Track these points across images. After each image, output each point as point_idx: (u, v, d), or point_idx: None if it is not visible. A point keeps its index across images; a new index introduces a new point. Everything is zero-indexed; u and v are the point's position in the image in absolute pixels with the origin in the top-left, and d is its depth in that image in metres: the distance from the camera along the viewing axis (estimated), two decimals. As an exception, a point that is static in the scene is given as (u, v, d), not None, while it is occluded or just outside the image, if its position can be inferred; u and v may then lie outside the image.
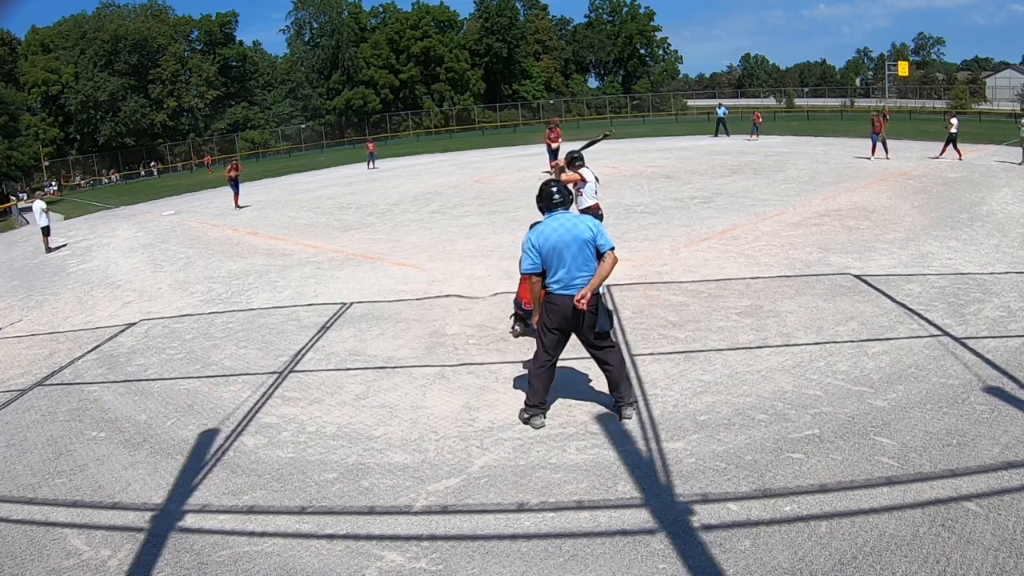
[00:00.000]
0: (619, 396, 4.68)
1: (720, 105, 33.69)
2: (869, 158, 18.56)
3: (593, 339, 4.55)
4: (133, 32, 53.43)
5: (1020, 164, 16.36)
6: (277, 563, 3.48)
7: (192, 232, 15.69)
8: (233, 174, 19.62)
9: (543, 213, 4.63)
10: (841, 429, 4.32)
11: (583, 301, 4.31)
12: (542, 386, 4.65)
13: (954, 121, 18.23)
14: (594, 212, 7.80)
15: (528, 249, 4.47)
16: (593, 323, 4.46)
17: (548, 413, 4.78)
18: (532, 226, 4.75)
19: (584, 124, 53.47)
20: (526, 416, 4.73)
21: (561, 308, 4.42)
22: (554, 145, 18.31)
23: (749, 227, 10.74)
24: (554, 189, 4.60)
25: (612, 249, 4.43)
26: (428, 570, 3.34)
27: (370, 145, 30.79)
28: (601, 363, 4.67)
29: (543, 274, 4.48)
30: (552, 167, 7.52)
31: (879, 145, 18.52)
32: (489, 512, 3.77)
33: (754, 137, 28.18)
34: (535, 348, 4.69)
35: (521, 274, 4.54)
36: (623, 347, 5.96)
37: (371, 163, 29.46)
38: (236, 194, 19.66)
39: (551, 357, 4.62)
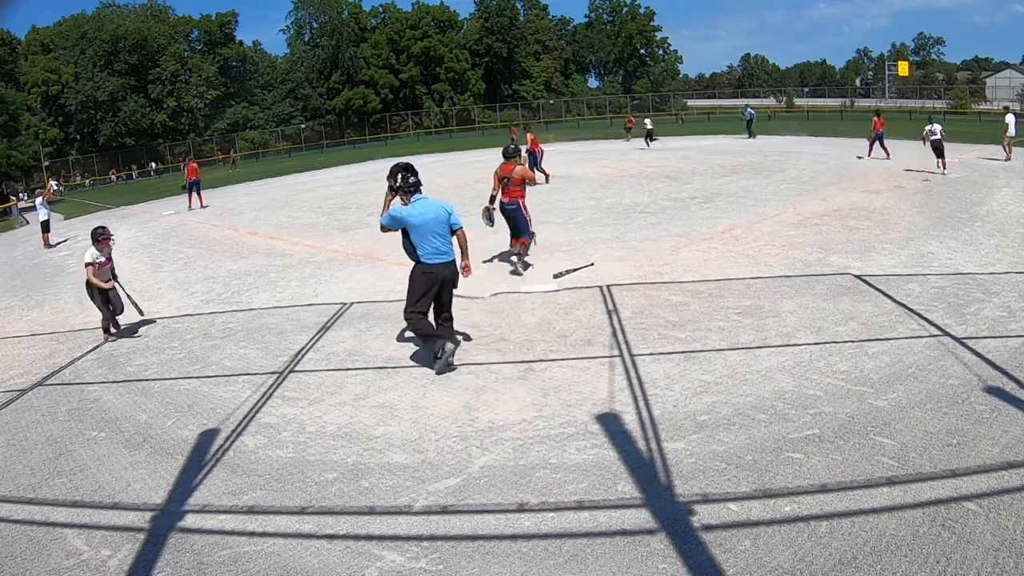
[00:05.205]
0: (445, 342, 5.66)
1: (747, 107, 33.68)
2: (861, 157, 18.69)
3: (449, 297, 5.81)
4: (133, 32, 53.36)
5: (1006, 160, 16.58)
6: (277, 563, 3.48)
7: (192, 232, 15.68)
8: (193, 177, 19.82)
9: (406, 197, 5.71)
10: (841, 429, 4.32)
11: (469, 270, 5.93)
12: (425, 323, 5.67)
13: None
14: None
15: (394, 215, 5.68)
16: (455, 285, 5.81)
17: (548, 413, 4.78)
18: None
19: (584, 124, 53.44)
20: (439, 354, 5.61)
21: (435, 274, 5.61)
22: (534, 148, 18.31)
23: (749, 227, 10.74)
24: (408, 175, 5.78)
25: (461, 228, 5.78)
26: (428, 570, 3.34)
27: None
28: (440, 314, 5.83)
29: (413, 249, 5.69)
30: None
31: (875, 145, 18.62)
32: (489, 512, 3.76)
33: (628, 139, 30.06)
34: (406, 302, 5.72)
35: (380, 225, 5.84)
36: (623, 347, 5.99)
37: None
38: (193, 195, 19.91)
39: (424, 310, 5.69)
